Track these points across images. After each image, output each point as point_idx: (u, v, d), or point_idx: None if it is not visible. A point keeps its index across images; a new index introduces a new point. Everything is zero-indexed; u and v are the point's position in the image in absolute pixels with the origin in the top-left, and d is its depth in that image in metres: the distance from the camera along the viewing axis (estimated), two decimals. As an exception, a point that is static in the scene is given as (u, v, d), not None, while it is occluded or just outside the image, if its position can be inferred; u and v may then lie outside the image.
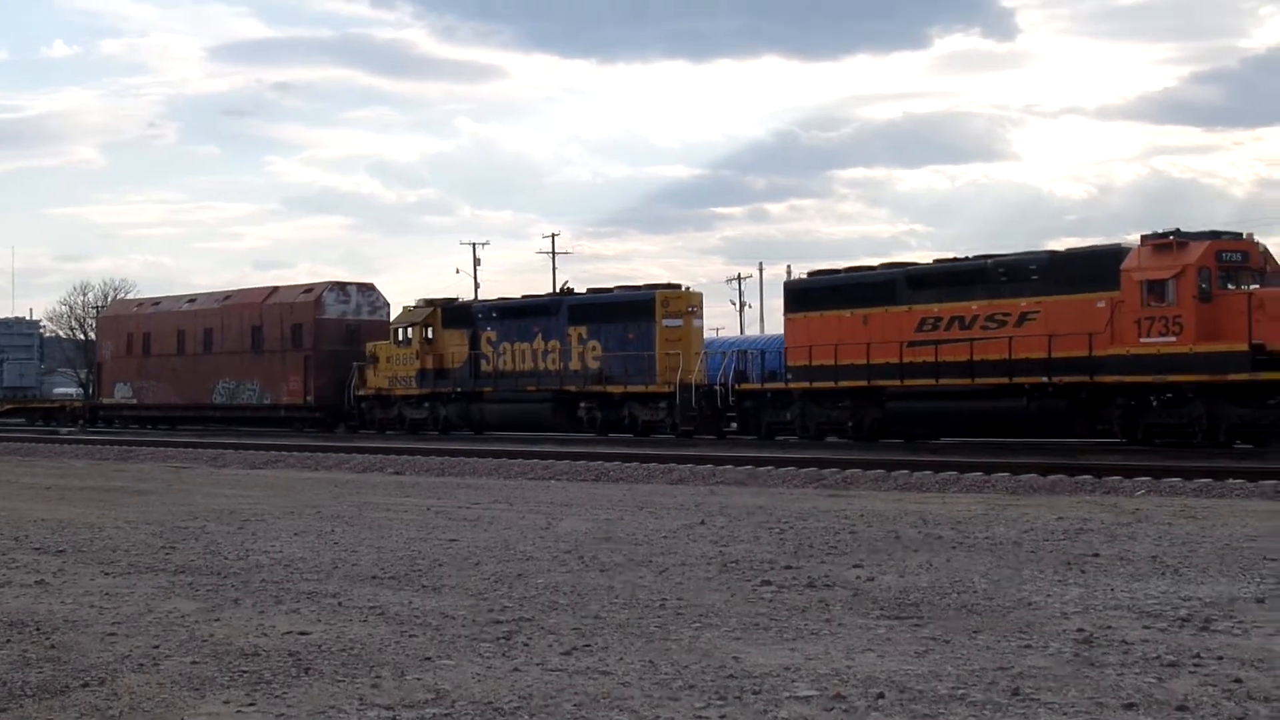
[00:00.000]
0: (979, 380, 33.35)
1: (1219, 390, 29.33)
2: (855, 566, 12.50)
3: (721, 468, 26.93)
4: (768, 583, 11.49)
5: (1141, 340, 30.29)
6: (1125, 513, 17.50)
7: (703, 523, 16.71)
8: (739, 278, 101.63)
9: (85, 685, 7.89)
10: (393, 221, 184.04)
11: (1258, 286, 29.57)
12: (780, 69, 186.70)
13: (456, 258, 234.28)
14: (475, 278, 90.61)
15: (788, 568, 12.46)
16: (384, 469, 30.39)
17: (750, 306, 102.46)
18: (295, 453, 35.86)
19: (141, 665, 8.39)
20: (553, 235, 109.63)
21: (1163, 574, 11.88)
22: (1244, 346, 28.81)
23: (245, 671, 8.16)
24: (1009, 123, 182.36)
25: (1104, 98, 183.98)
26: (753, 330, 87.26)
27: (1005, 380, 32.78)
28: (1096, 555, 13.14)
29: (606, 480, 26.21)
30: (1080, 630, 9.15)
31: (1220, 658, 8.26)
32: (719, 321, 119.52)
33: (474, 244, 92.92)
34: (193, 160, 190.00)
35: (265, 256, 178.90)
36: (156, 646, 8.96)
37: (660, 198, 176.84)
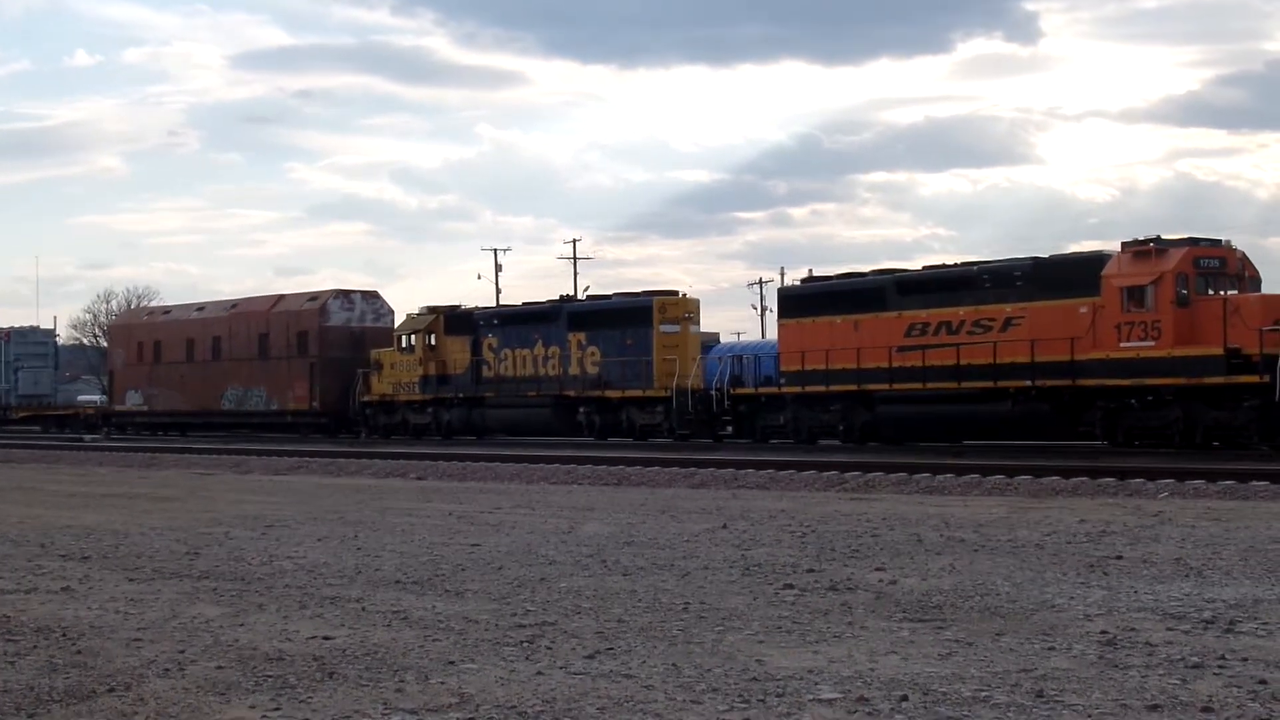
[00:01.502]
0: (965, 384, 34.16)
1: (1195, 393, 30.15)
2: (878, 569, 12.50)
3: (743, 471, 26.92)
4: (790, 586, 11.50)
5: (1121, 345, 31.10)
6: (1148, 515, 17.47)
7: (725, 526, 16.72)
8: (760, 282, 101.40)
9: (111, 690, 7.93)
10: (415, 228, 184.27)
11: (1235, 292, 30.51)
12: (801, 74, 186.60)
13: (478, 263, 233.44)
14: (497, 283, 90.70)
15: (810, 571, 12.47)
16: (406, 474, 30.45)
17: (772, 310, 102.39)
18: (317, 459, 35.95)
19: (167, 670, 8.43)
20: (574, 240, 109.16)
21: (1186, 576, 11.86)
22: (1219, 351, 29.67)
23: (270, 676, 8.19)
24: (1032, 126, 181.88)
25: (1127, 101, 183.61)
26: (774, 334, 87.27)
27: (990, 384, 33.57)
28: (1119, 557, 13.13)
29: (628, 484, 26.24)
30: (1104, 632, 9.14)
31: (1245, 659, 8.24)
32: (741, 325, 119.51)
33: (495, 250, 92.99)
34: (215, 168, 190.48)
35: (288, 263, 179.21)
36: (182, 651, 9.00)
37: (682, 202, 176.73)
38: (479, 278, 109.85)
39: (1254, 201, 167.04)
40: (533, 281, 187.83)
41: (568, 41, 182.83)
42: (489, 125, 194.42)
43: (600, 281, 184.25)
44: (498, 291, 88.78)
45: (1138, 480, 22.58)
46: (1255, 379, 29.02)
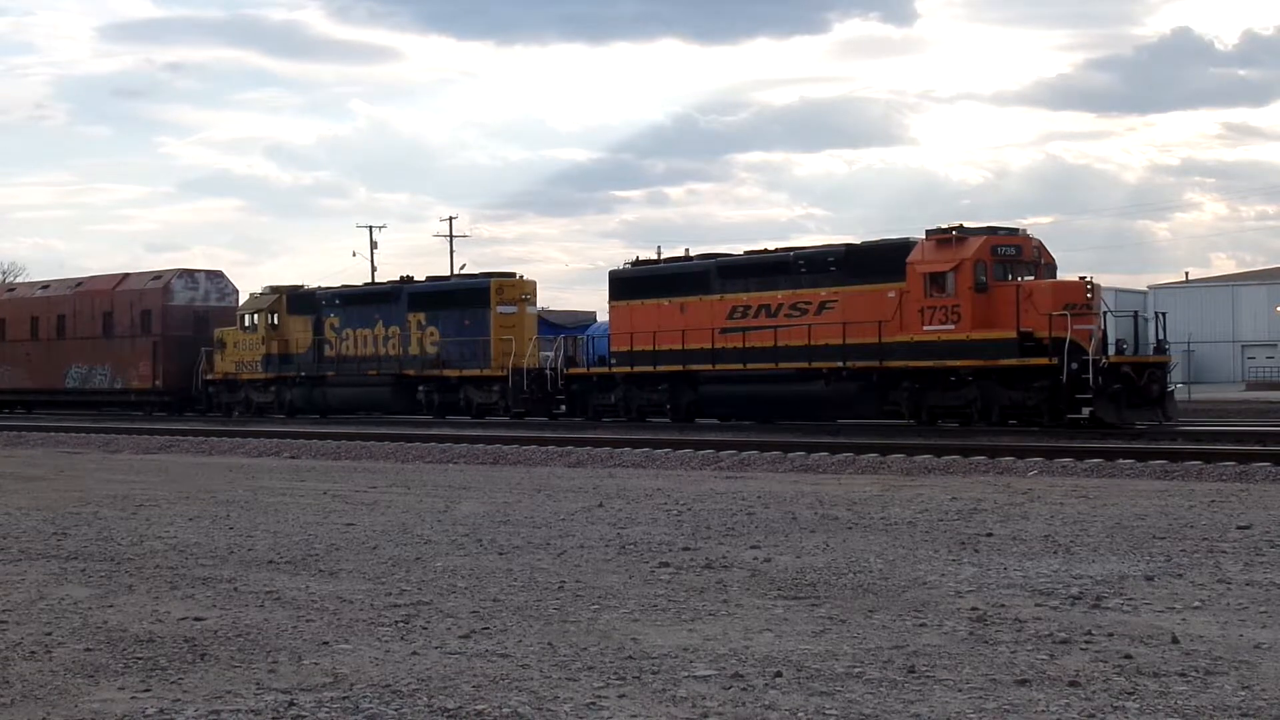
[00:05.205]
0: (782, 365, 35.59)
1: (991, 374, 31.82)
2: (752, 548, 12.58)
3: (619, 450, 26.96)
4: (666, 564, 11.53)
5: (925, 328, 32.73)
6: (1018, 492, 17.73)
7: (601, 505, 16.73)
8: (637, 260, 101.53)
9: (-25, 673, 7.76)
10: (288, 204, 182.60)
11: (1030, 279, 32.15)
12: (679, 52, 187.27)
13: (353, 240, 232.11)
14: (372, 260, 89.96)
15: (685, 549, 12.51)
16: (279, 453, 30.14)
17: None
18: (189, 438, 35.46)
19: (33, 653, 8.27)
20: (450, 218, 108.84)
21: (1055, 553, 12.06)
22: (1013, 334, 31.35)
23: (140, 658, 8.07)
24: (906, 108, 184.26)
25: (1000, 83, 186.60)
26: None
27: (805, 365, 34.96)
28: (990, 535, 13.32)
29: (504, 463, 26.17)
30: (974, 609, 9.27)
31: (1111, 635, 8.39)
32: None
33: (370, 227, 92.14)
34: (83, 141, 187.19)
35: (158, 239, 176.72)
36: (49, 634, 8.84)
37: (559, 181, 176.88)
38: (354, 255, 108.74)
39: (1122, 184, 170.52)
40: (409, 259, 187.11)
41: (443, 17, 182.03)
42: (363, 101, 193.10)
43: (477, 259, 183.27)
44: (373, 269, 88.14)
45: (1008, 458, 22.92)
46: (1045, 361, 30.58)
